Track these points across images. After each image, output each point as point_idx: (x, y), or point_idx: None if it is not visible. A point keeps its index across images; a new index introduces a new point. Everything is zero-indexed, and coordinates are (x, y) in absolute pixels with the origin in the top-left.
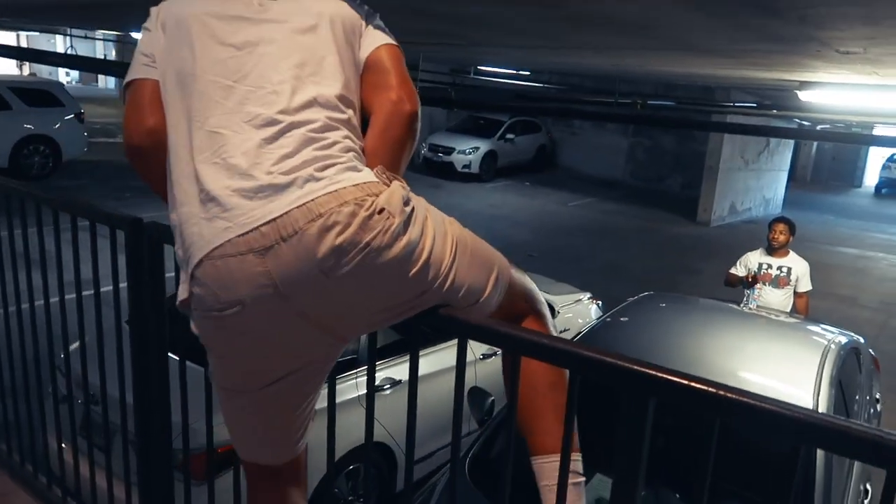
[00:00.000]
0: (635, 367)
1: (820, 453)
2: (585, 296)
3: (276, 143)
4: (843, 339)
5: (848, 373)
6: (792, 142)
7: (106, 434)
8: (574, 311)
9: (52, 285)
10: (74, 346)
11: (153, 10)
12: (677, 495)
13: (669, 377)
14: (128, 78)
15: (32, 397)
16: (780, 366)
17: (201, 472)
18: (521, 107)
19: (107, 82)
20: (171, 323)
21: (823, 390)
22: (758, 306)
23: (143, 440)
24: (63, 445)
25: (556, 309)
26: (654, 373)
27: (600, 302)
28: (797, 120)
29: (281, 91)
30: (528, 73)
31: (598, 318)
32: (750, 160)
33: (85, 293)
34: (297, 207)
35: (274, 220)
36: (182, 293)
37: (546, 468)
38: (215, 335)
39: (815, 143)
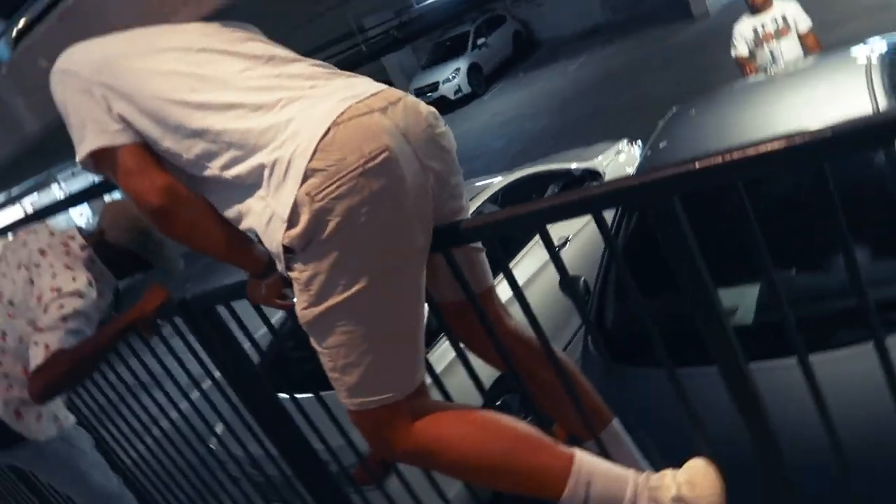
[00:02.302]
0: (642, 179)
1: None
2: (622, 143)
3: (297, 65)
4: (884, 46)
5: None
6: None
7: (272, 486)
8: (618, 163)
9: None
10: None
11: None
12: (794, 271)
13: (675, 171)
14: (99, 143)
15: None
16: (829, 105)
17: (367, 478)
18: (464, 7)
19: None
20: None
21: (882, 102)
22: (780, 64)
23: (302, 477)
24: None
25: (601, 171)
26: (660, 175)
27: (639, 140)
28: None
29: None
30: None
31: (640, 157)
32: None
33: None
34: (382, 90)
35: (375, 94)
36: (290, 194)
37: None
38: (373, 193)
39: None
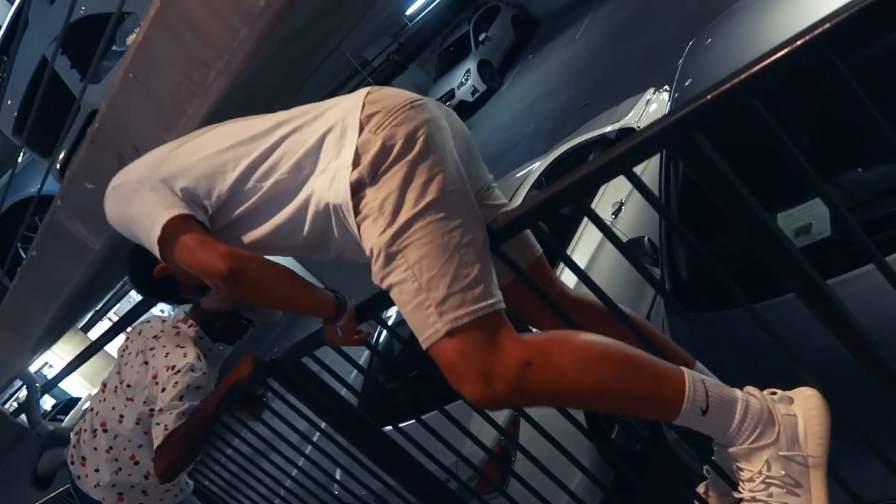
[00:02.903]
0: (658, 125)
1: None
2: (650, 93)
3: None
4: None
5: None
6: None
7: None
8: (650, 114)
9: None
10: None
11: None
12: (860, 169)
13: (688, 108)
14: (170, 215)
15: None
16: None
17: (489, 487)
18: (455, 9)
19: None
20: (365, 407)
21: None
22: None
23: (426, 501)
24: None
25: (635, 127)
26: (675, 116)
27: (666, 87)
28: None
29: None
30: None
31: (669, 102)
32: None
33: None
34: None
35: None
36: (351, 145)
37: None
38: (423, 120)
39: None
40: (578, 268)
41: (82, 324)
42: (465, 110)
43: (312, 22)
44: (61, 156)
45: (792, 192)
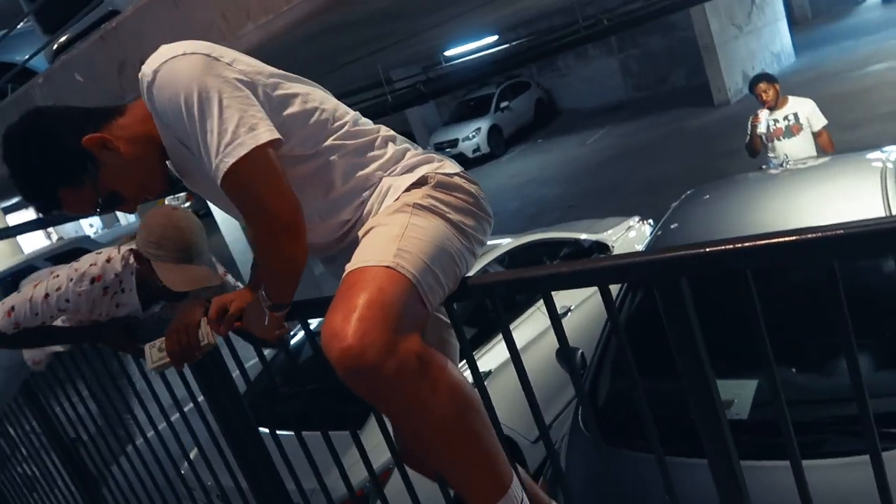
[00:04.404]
0: (652, 256)
1: None
2: (634, 220)
3: None
4: None
5: None
6: None
7: None
8: (628, 240)
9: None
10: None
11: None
12: (794, 370)
13: (685, 252)
14: (274, 135)
15: None
16: (842, 205)
17: None
18: (490, 71)
19: (127, 218)
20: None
21: (895, 206)
22: (792, 160)
23: None
24: None
25: (610, 245)
26: (670, 255)
27: (650, 220)
28: None
29: None
30: (495, 38)
31: (650, 236)
32: (742, 24)
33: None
34: None
35: None
36: (451, 170)
37: None
38: (491, 219)
39: None
40: (515, 349)
41: (6, 205)
42: (462, 163)
43: (361, 23)
44: (63, 38)
45: (731, 364)
